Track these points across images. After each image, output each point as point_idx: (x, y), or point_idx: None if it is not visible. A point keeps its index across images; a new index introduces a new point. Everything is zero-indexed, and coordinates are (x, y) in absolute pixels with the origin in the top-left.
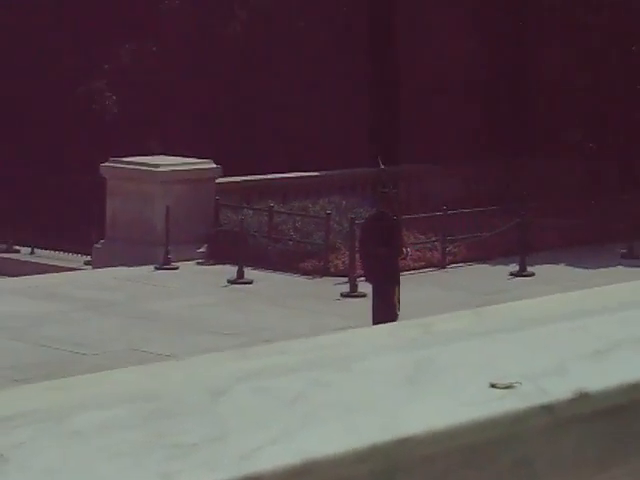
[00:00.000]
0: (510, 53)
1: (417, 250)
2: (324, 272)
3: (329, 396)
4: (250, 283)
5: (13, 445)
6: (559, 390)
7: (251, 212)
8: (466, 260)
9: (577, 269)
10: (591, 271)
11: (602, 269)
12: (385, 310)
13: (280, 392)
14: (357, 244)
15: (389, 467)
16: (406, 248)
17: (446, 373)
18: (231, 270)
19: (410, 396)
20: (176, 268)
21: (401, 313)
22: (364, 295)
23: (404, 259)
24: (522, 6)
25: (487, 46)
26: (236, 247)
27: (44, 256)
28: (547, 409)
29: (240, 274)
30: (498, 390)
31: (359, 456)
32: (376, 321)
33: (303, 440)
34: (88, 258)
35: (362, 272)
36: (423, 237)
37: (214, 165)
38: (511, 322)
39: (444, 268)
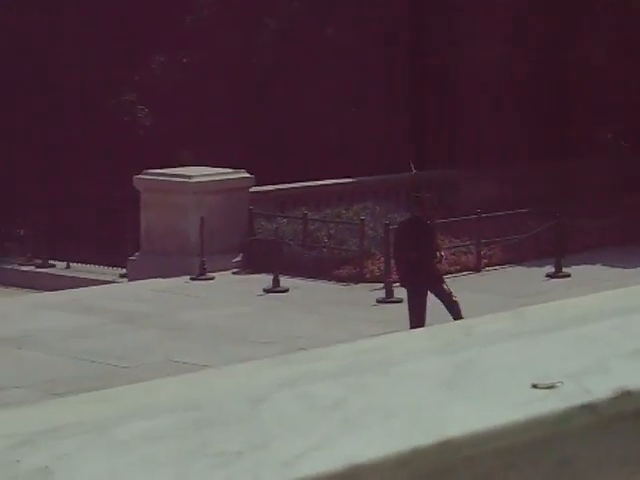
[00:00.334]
0: (545, 55)
1: (452, 254)
2: (359, 279)
3: (370, 401)
4: (286, 291)
5: (58, 457)
6: (601, 389)
7: (285, 220)
8: (502, 263)
9: (613, 269)
10: (628, 271)
11: (639, 268)
12: (421, 315)
13: (321, 398)
14: (391, 249)
15: (431, 470)
16: (440, 252)
17: (487, 375)
18: (266, 279)
19: (451, 399)
20: (212, 278)
21: (438, 317)
22: (400, 301)
23: (439, 262)
24: (557, 7)
25: (521, 49)
26: (271, 256)
27: (79, 270)
28: (589, 408)
29: (275, 283)
30: (540, 390)
31: (401, 460)
32: (413, 326)
33: (345, 445)
34: (123, 271)
35: (397, 277)
36: (458, 241)
37: (247, 174)
38: (552, 322)
39: (479, 271)
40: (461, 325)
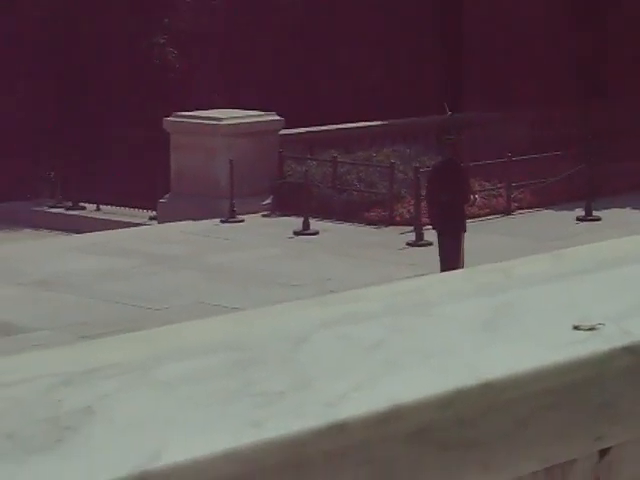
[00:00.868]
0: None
1: (483, 197)
2: (389, 221)
3: (411, 342)
4: (316, 234)
5: (99, 397)
6: None
7: (315, 163)
8: (532, 206)
9: None
10: None
11: None
12: (452, 258)
13: (362, 339)
14: (424, 192)
15: (473, 411)
16: (474, 195)
17: (527, 317)
18: (296, 222)
19: (492, 340)
20: (241, 221)
21: (470, 260)
22: (430, 243)
23: (472, 206)
24: None
25: None
26: (300, 198)
27: (110, 212)
28: (630, 350)
29: (305, 225)
30: (581, 332)
31: (443, 401)
32: (443, 269)
33: (387, 386)
34: (153, 213)
35: (428, 220)
36: (488, 184)
37: (277, 117)
38: (591, 264)
39: (510, 214)
40: (499, 267)
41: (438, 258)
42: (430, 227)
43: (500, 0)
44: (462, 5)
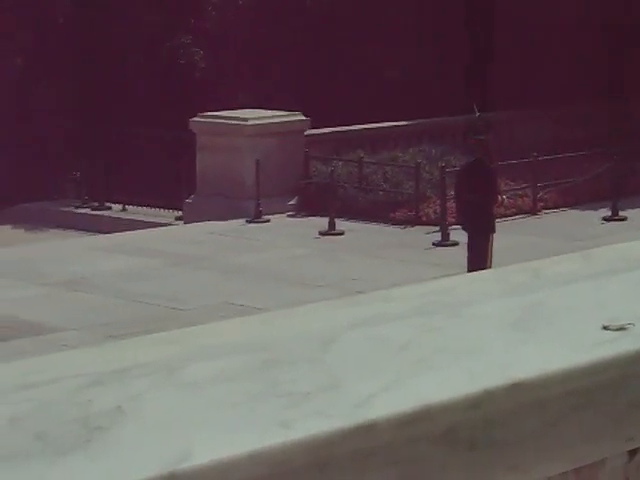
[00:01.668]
0: None
1: (509, 197)
2: (415, 221)
3: (440, 342)
4: (341, 234)
5: (129, 397)
6: None
7: (340, 163)
8: (558, 206)
9: None
10: None
11: None
12: (480, 258)
13: (390, 339)
14: (450, 191)
15: (503, 412)
16: (502, 196)
17: (557, 317)
18: (322, 222)
19: (521, 340)
20: (267, 221)
21: (497, 261)
22: (456, 244)
23: (500, 207)
24: None
25: None
26: (326, 198)
27: (136, 212)
28: None
29: (331, 225)
30: (611, 332)
31: (473, 401)
32: (471, 269)
33: (416, 386)
34: (179, 213)
35: (455, 220)
36: (514, 184)
37: (303, 117)
38: (620, 263)
39: (536, 214)
40: (529, 267)
41: (466, 258)
42: (457, 227)
43: (526, 1)
44: (490, 5)
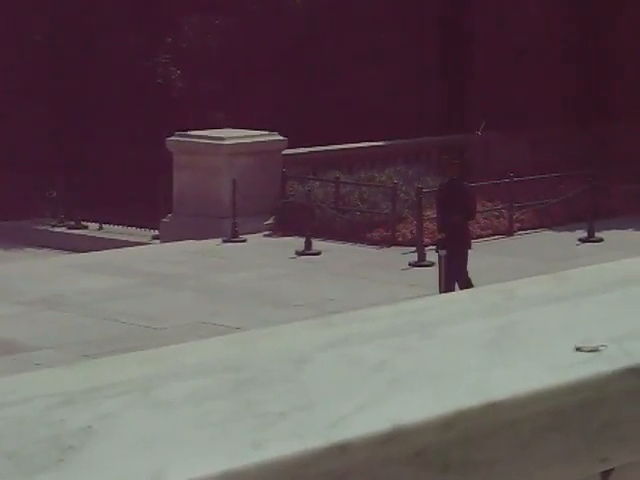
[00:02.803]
0: (589, 15)
1: (485, 218)
2: (392, 242)
3: (414, 362)
4: (318, 254)
5: (101, 416)
6: None
7: (317, 183)
8: (534, 227)
9: None
10: None
11: None
12: (456, 276)
13: (365, 359)
14: (426, 212)
15: (476, 432)
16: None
17: (530, 337)
18: (299, 242)
19: (495, 361)
20: (244, 241)
21: (474, 281)
22: (432, 264)
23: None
24: None
25: (556, 11)
26: (303, 219)
27: (112, 231)
28: (633, 372)
29: (308, 245)
30: (583, 354)
31: (446, 422)
32: (448, 287)
33: (390, 407)
34: (156, 232)
35: (430, 241)
36: (490, 204)
37: (280, 137)
38: (593, 285)
39: (512, 235)
40: (504, 288)
41: (439, 278)
42: (433, 247)
43: (502, 21)
44: (463, 27)
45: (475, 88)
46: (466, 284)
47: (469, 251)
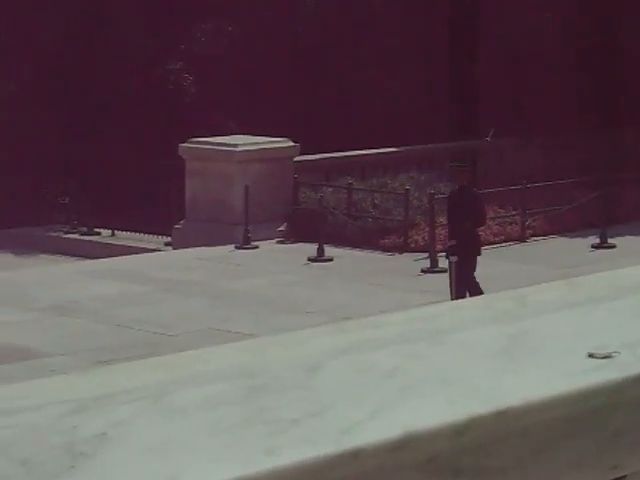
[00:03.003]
0: (598, 23)
1: (497, 224)
2: (404, 248)
3: (426, 369)
4: (330, 260)
5: (114, 423)
6: None
7: (330, 190)
8: (546, 233)
9: None
10: None
11: None
12: (466, 282)
13: (377, 366)
14: (438, 219)
15: (488, 439)
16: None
17: (543, 344)
18: (311, 248)
19: (507, 368)
20: (256, 247)
21: (485, 288)
22: (445, 270)
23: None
24: None
25: (572, 14)
26: (315, 225)
27: (125, 238)
28: None
29: (320, 252)
30: (596, 360)
31: (458, 429)
32: (460, 293)
33: (402, 413)
34: (168, 239)
35: (442, 247)
36: (502, 211)
37: (292, 143)
38: (606, 291)
39: (524, 242)
40: (515, 294)
41: (450, 284)
42: (444, 254)
43: (515, 27)
44: (477, 33)
45: (487, 94)
46: (476, 290)
47: (478, 257)
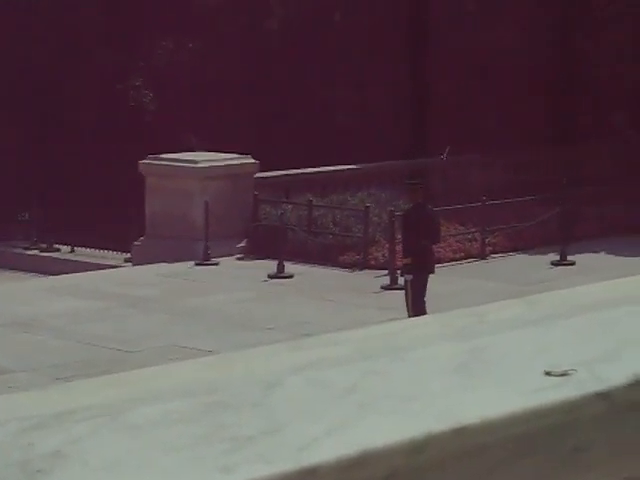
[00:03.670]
0: (554, 42)
1: (457, 241)
2: (364, 265)
3: (384, 386)
4: (290, 277)
5: (71, 441)
6: (615, 377)
7: (290, 206)
8: (506, 250)
9: (618, 257)
10: (632, 259)
11: None
12: (421, 299)
13: (334, 383)
14: (399, 235)
15: (445, 457)
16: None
17: (500, 362)
18: (271, 265)
19: (464, 385)
20: (216, 264)
21: (443, 304)
22: (405, 287)
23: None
24: None
25: (529, 35)
26: (275, 242)
27: (84, 254)
28: (603, 396)
29: (280, 268)
30: (553, 378)
31: (415, 446)
32: (414, 312)
33: (359, 431)
34: (128, 255)
35: (401, 265)
36: (463, 228)
37: (252, 160)
38: (563, 309)
39: (484, 259)
40: (474, 312)
41: (406, 302)
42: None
43: (474, 44)
44: (432, 50)
45: (445, 111)
46: (420, 311)
47: (432, 275)
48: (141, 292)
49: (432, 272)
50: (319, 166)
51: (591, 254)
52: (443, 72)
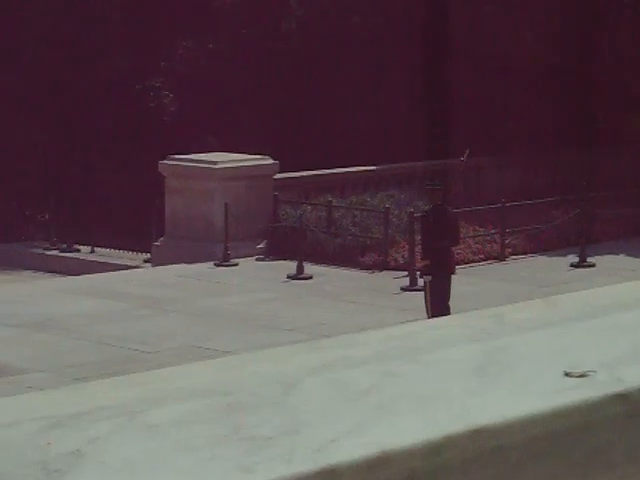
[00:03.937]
0: (575, 43)
1: (477, 243)
2: (383, 266)
3: (402, 388)
4: (310, 278)
5: (89, 440)
6: (633, 378)
7: (310, 207)
8: (526, 252)
9: (638, 259)
10: None
11: None
12: (442, 301)
13: (352, 384)
14: (418, 237)
15: (463, 458)
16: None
17: (519, 363)
18: (290, 266)
19: (483, 386)
20: (236, 264)
21: (463, 306)
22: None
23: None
24: None
25: (551, 36)
26: (295, 242)
27: (104, 254)
28: (622, 397)
29: (299, 269)
30: (572, 379)
31: (433, 447)
32: (434, 313)
33: (377, 432)
34: (148, 256)
35: (421, 266)
36: (482, 230)
37: (272, 161)
38: (583, 310)
39: (504, 260)
40: (493, 313)
41: (425, 303)
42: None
43: (494, 44)
44: (451, 50)
45: (465, 113)
46: (444, 310)
47: (454, 277)
48: (160, 293)
49: (453, 273)
50: (338, 167)
51: (611, 256)
52: (462, 73)
